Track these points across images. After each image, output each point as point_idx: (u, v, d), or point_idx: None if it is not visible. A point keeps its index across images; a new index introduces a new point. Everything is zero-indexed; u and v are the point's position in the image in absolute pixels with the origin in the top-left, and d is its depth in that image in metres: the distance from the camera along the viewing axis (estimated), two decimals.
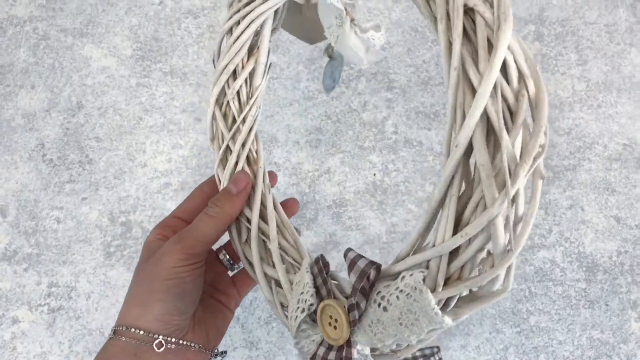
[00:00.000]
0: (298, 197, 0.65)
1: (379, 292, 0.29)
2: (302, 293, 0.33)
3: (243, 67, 0.41)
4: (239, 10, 0.40)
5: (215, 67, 0.41)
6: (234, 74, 0.41)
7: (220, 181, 0.41)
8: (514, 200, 0.25)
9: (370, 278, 0.30)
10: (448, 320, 0.26)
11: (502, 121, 0.25)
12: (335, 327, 0.31)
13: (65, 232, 0.64)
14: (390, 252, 0.62)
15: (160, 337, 0.37)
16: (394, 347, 0.30)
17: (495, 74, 0.24)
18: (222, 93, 0.41)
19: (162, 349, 0.37)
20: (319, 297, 0.33)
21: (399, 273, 0.29)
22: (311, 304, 0.32)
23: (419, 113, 0.69)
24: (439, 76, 0.71)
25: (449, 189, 0.27)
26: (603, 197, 0.65)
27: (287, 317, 0.36)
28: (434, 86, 0.70)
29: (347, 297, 0.32)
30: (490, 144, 0.25)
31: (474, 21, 0.26)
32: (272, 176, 0.45)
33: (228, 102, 0.41)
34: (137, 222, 0.64)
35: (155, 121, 0.69)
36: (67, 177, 0.66)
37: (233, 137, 0.41)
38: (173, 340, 0.38)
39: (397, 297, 0.28)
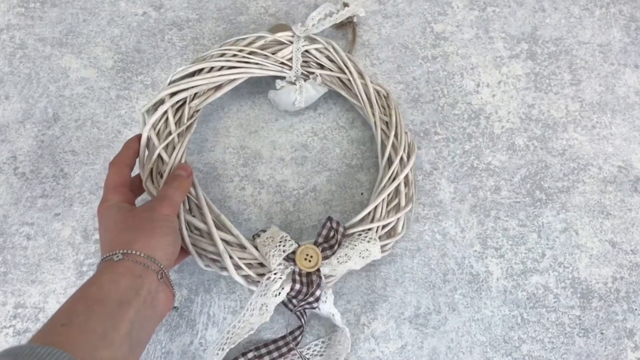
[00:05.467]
0: (282, 216, 0.62)
1: (349, 241, 0.54)
2: (280, 242, 0.53)
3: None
4: None
5: None
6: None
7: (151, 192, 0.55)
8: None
9: (343, 233, 0.54)
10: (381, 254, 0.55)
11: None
12: (309, 261, 0.52)
13: (35, 250, 0.60)
14: (377, 274, 0.59)
15: (162, 266, 0.44)
16: (342, 272, 0.55)
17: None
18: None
19: (160, 279, 0.44)
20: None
21: (356, 232, 0.56)
22: (294, 247, 0.53)
23: (408, 131, 0.67)
24: (429, 94, 0.69)
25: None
26: (598, 221, 0.62)
27: (239, 265, 0.54)
28: (424, 104, 0.68)
29: (315, 244, 0.54)
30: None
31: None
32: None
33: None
34: None
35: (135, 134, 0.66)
36: (40, 192, 0.63)
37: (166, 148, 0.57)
38: (166, 273, 0.45)
39: (361, 242, 0.54)
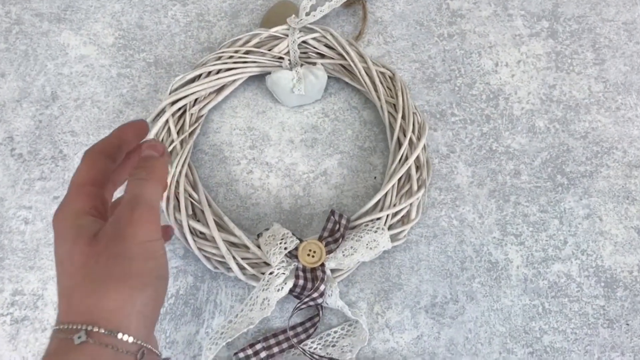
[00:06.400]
0: (292, 200, 0.60)
1: (355, 232, 0.52)
2: (282, 239, 0.51)
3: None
4: None
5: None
6: None
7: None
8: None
9: (345, 225, 0.52)
10: (391, 244, 0.53)
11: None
12: (312, 256, 0.51)
13: (34, 235, 0.57)
14: (391, 262, 0.57)
15: (142, 342, 0.31)
16: (350, 266, 0.53)
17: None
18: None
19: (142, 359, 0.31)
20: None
21: (363, 222, 0.54)
22: (296, 244, 0.51)
23: (424, 112, 0.64)
24: (446, 73, 0.66)
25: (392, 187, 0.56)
26: (622, 207, 0.60)
27: (241, 265, 0.52)
28: (441, 83, 0.65)
29: (320, 238, 0.52)
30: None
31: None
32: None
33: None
34: None
35: (136, 115, 0.63)
36: (38, 174, 0.60)
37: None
38: (148, 347, 0.31)
39: (367, 232, 0.52)
